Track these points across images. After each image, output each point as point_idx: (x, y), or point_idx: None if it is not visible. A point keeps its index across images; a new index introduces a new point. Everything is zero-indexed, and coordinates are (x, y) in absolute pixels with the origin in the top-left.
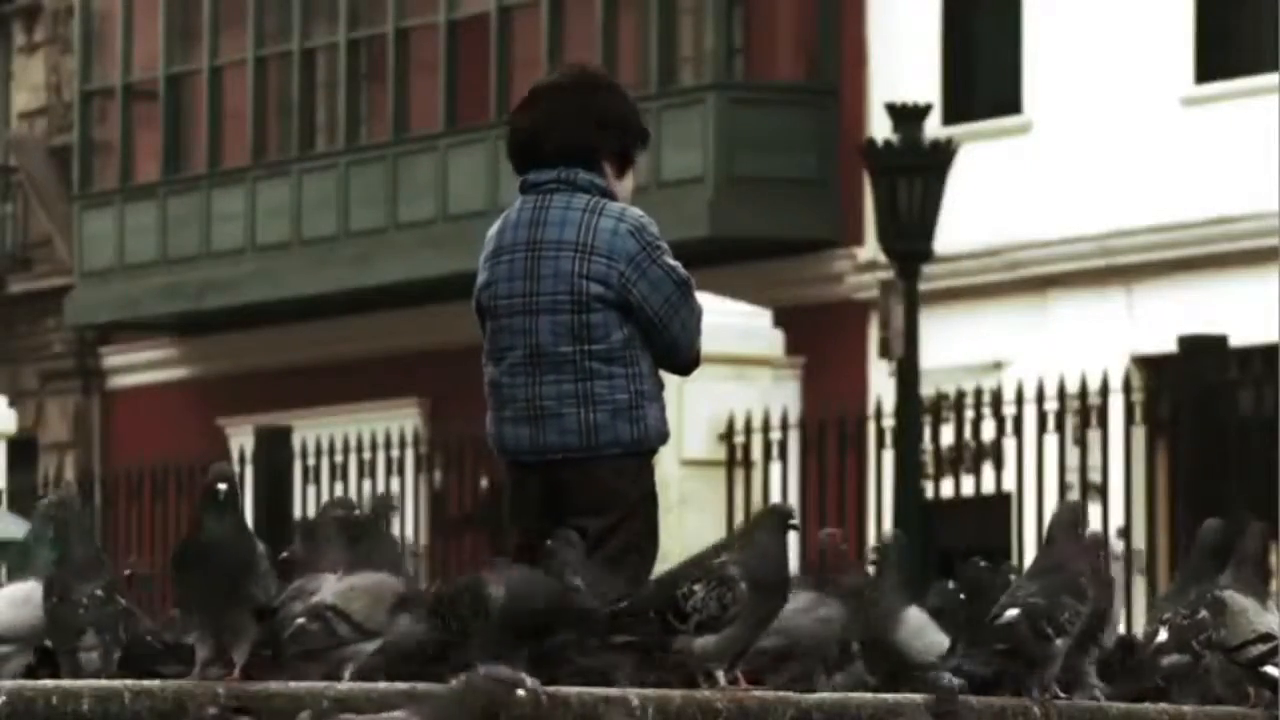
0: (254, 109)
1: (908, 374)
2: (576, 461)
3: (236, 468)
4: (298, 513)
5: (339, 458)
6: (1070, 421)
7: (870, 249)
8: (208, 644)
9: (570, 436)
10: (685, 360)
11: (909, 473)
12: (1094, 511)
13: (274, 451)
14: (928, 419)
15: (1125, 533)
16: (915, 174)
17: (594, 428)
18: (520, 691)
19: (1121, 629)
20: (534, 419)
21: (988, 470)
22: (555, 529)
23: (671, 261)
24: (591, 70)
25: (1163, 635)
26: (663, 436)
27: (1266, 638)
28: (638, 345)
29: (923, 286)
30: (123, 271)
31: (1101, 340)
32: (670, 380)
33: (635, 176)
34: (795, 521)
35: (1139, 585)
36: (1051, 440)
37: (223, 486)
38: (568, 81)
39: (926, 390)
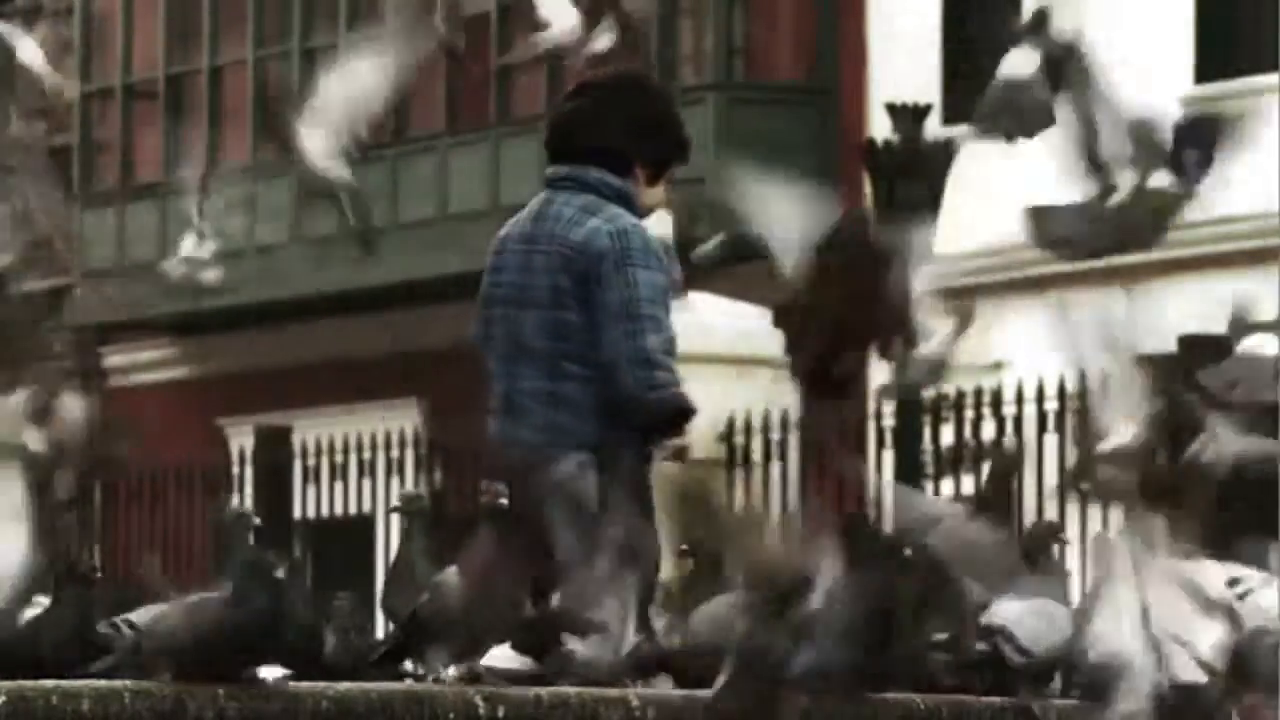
0: (254, 109)
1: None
2: (542, 458)
3: (236, 468)
4: (298, 513)
5: (339, 458)
6: (1070, 421)
7: None
8: None
9: (538, 434)
10: (618, 392)
11: (909, 473)
12: (1094, 512)
13: (274, 451)
14: (928, 419)
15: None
16: (915, 174)
17: (561, 428)
18: None
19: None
20: (508, 412)
21: (987, 470)
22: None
23: (637, 277)
24: (640, 74)
25: None
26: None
27: None
28: None
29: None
30: (123, 272)
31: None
32: None
33: (669, 190)
34: None
35: None
36: (1051, 440)
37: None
38: (613, 81)
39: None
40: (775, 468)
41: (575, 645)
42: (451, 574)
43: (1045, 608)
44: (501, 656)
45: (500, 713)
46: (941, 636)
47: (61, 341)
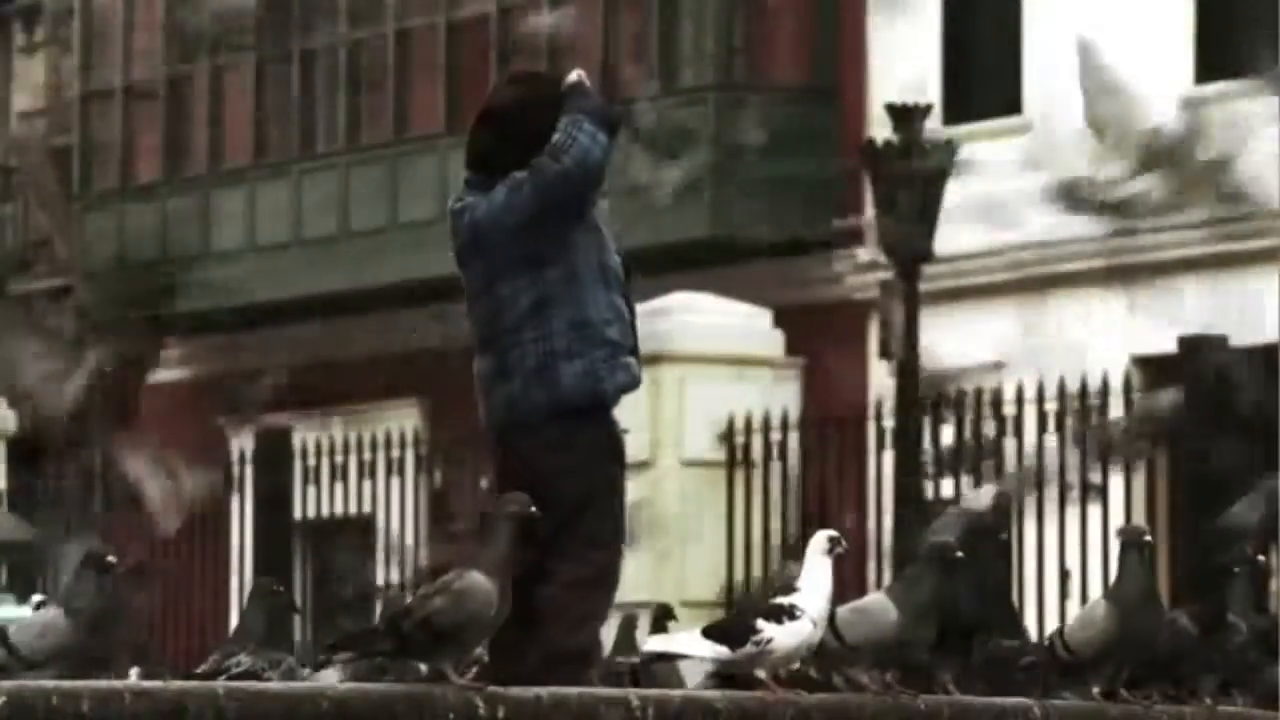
0: (254, 109)
1: (908, 374)
2: (506, 434)
3: (236, 468)
4: (298, 513)
5: (339, 458)
6: (1070, 421)
7: (870, 249)
8: None
9: (499, 410)
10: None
11: (909, 473)
12: (1094, 512)
13: (274, 451)
14: (928, 419)
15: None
16: (915, 174)
17: (512, 399)
18: None
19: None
20: (481, 397)
21: (988, 470)
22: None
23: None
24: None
25: None
26: (591, 393)
27: None
28: (550, 306)
29: (923, 286)
30: (123, 271)
31: (1101, 340)
32: (670, 380)
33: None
34: None
35: None
36: (1051, 440)
37: None
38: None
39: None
40: (775, 468)
41: (771, 633)
42: (467, 577)
43: None
44: (693, 644)
45: (500, 713)
46: None
47: (62, 341)
